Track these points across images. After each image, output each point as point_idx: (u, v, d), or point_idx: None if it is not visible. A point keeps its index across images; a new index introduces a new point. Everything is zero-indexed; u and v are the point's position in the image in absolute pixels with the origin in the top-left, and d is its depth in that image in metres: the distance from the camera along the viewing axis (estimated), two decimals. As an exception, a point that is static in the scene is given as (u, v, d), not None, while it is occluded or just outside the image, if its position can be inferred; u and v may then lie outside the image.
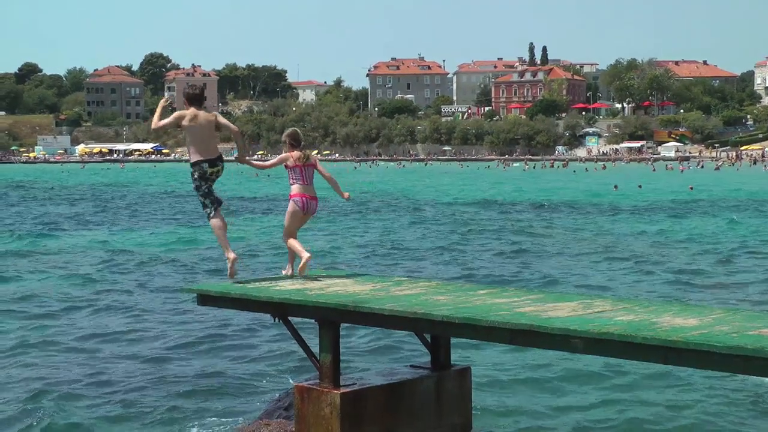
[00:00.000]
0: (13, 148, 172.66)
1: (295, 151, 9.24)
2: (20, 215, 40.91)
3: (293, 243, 9.25)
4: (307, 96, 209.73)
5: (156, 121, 9.04)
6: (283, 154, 9.33)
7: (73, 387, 11.01)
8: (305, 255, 9.03)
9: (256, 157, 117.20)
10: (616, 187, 61.36)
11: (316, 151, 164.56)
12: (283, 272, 9.51)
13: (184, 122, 8.87)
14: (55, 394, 10.67)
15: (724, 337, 6.05)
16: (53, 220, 37.61)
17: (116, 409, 9.98)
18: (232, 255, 8.98)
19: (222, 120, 9.12)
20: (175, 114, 8.97)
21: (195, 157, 8.94)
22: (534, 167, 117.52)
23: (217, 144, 9.22)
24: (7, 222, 36.66)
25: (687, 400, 10.22)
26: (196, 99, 9.01)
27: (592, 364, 11.36)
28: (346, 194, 9.49)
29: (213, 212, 9.02)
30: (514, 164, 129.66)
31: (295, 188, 9.22)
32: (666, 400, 10.28)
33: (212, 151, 9.01)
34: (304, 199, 9.20)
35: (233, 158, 10.20)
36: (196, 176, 8.98)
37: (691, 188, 58.79)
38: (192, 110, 8.94)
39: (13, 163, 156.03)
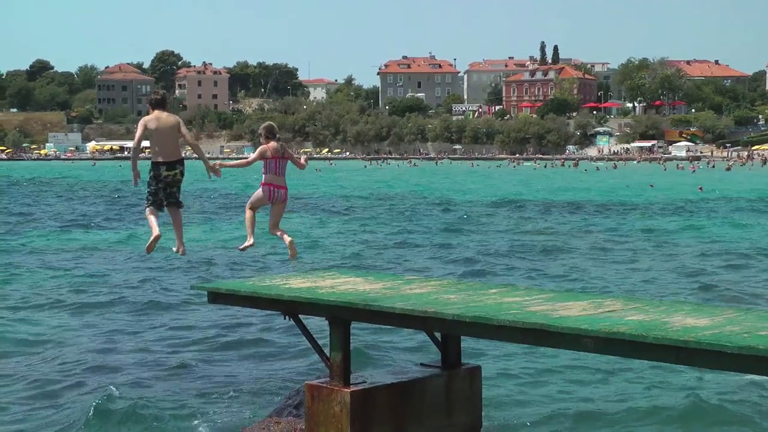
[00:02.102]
0: (24, 145, 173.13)
1: (272, 143, 9.75)
2: (35, 213, 41.00)
3: (248, 216, 10.03)
4: (317, 94, 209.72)
5: (133, 147, 9.63)
6: (261, 147, 9.81)
7: (81, 383, 11.04)
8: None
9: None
10: (628, 186, 61.23)
11: (326, 150, 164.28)
12: (245, 245, 10.08)
13: (150, 125, 9.31)
14: (64, 391, 10.71)
15: (736, 337, 6.03)
16: (71, 218, 37.67)
17: (126, 405, 9.99)
18: (156, 232, 9.52)
19: (183, 129, 9.53)
20: (141, 121, 9.44)
21: (155, 158, 9.43)
22: (545, 166, 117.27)
23: (180, 147, 9.63)
24: (21, 220, 36.75)
25: (698, 396, 10.18)
26: (158, 103, 9.55)
27: (604, 361, 11.34)
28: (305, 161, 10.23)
29: (149, 206, 9.62)
30: (525, 163, 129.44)
31: (266, 177, 9.83)
32: (676, 397, 10.26)
33: (172, 154, 9.48)
34: (272, 188, 9.83)
35: (221, 157, 10.39)
36: (151, 174, 9.50)
37: (701, 189, 58.50)
38: (156, 113, 9.43)
39: (24, 160, 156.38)
